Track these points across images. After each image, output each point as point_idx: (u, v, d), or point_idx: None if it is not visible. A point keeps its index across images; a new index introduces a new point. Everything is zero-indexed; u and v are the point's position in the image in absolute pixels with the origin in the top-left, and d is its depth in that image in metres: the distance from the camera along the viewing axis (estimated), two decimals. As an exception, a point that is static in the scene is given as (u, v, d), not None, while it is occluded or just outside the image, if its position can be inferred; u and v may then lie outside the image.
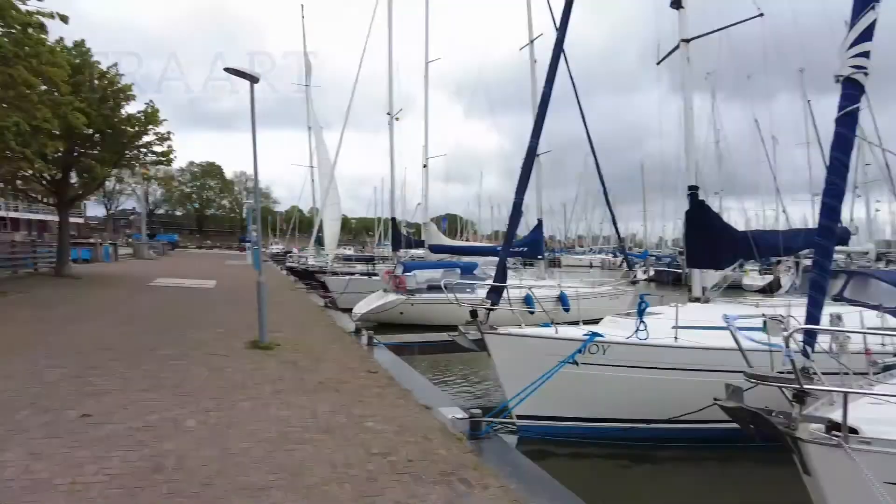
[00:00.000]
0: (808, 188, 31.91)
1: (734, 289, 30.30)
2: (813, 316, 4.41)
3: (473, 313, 7.92)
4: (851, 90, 4.96)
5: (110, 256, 33.47)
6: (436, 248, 23.09)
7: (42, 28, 13.87)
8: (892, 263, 22.67)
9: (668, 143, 12.98)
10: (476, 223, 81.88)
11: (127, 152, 21.36)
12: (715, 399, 3.97)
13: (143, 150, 21.77)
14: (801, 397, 3.57)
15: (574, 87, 17.87)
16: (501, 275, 9.26)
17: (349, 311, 17.09)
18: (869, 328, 7.77)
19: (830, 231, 4.79)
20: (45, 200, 24.39)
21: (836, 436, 3.32)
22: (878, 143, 21.82)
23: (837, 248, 13.47)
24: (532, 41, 20.69)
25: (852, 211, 27.05)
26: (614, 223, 24.61)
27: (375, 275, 22.19)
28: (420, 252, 26.11)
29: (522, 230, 20.37)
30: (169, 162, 23.94)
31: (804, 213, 33.53)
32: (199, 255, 55.24)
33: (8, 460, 4.28)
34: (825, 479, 3.35)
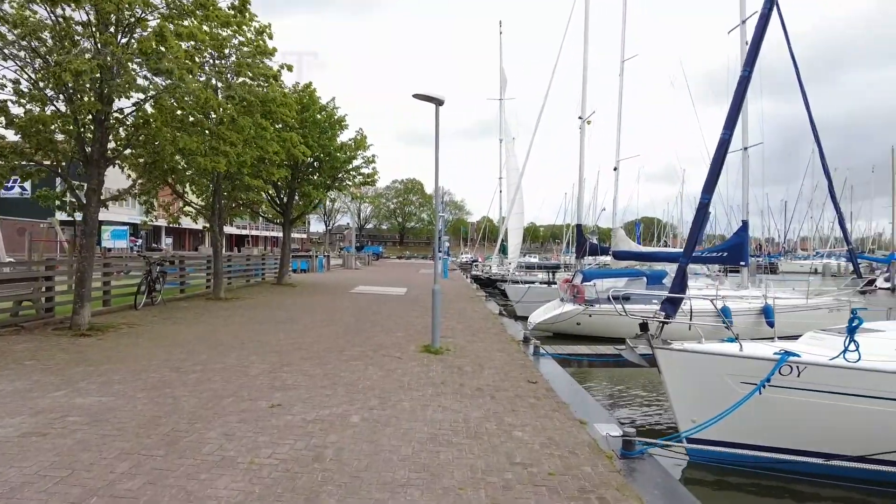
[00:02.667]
0: None
1: None
2: None
3: (644, 326, 7.37)
4: None
5: (323, 267, 38.18)
6: (620, 255, 21.97)
7: (276, 78, 16.47)
8: None
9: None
10: (677, 226, 76.34)
11: (340, 175, 24.35)
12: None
13: (353, 172, 24.62)
14: None
15: (795, 64, 15.64)
16: (679, 284, 8.49)
17: (526, 319, 17.16)
18: None
19: None
20: (275, 221, 28.85)
21: None
22: None
23: None
24: (744, 21, 18.69)
25: None
26: (840, 221, 20.98)
27: (555, 283, 21.93)
28: (607, 259, 25.19)
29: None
30: (374, 183, 26.66)
31: None
32: (398, 265, 60.17)
33: (208, 438, 5.14)
34: None
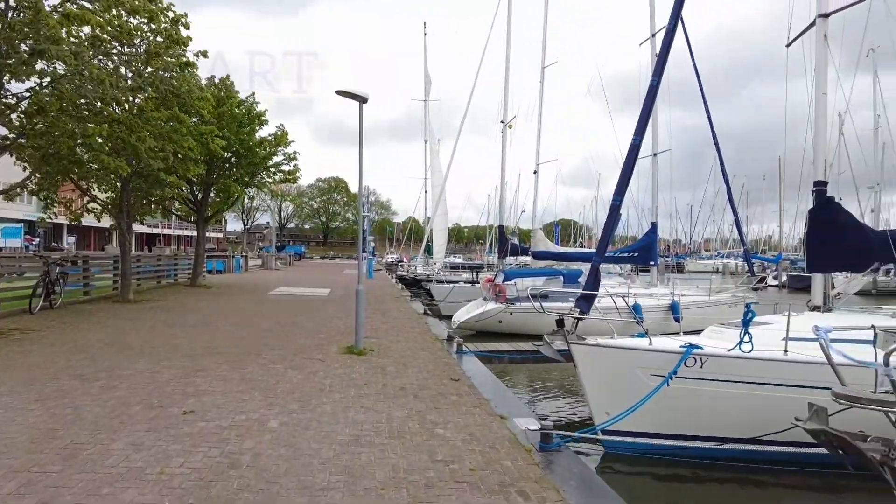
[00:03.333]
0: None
1: (886, 296, 26.62)
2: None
3: (560, 322, 7.64)
4: None
5: (241, 268, 36.75)
6: (539, 255, 22.74)
7: (193, 65, 15.65)
8: None
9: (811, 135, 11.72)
10: (592, 228, 79.61)
11: (258, 172, 23.47)
12: (796, 419, 3.49)
13: (273, 169, 23.81)
14: (906, 423, 3.03)
15: (698, 78, 16.70)
16: (593, 282, 8.87)
17: (450, 318, 17.34)
18: None
19: None
20: (189, 219, 27.42)
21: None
22: None
23: None
24: (653, 35, 19.76)
25: None
26: (737, 225, 22.73)
27: (478, 282, 22.31)
28: (527, 259, 25.91)
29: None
30: (295, 180, 25.91)
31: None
32: (321, 265, 58.96)
33: (112, 450, 4.82)
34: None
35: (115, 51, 13.15)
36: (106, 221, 20.20)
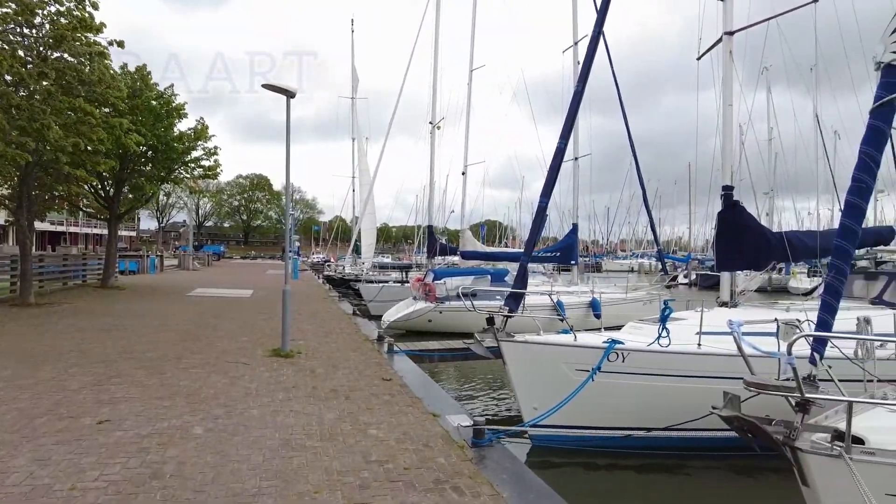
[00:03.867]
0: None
1: (780, 292, 29.05)
2: (824, 321, 4.13)
3: (490, 320, 7.79)
4: (891, 78, 4.51)
5: (156, 268, 34.78)
6: (467, 255, 23.05)
7: (104, 55, 14.58)
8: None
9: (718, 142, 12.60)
10: (516, 229, 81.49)
11: (176, 168, 22.26)
12: (713, 407, 3.77)
13: (192, 165, 22.64)
14: (804, 406, 3.33)
15: (617, 86, 17.55)
16: (521, 280, 9.11)
17: (380, 318, 17.22)
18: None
19: (852, 232, 4.44)
20: (99, 217, 25.56)
21: (838, 446, 3.09)
22: None
23: (882, 248, 12.72)
24: (576, 43, 20.46)
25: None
26: (652, 226, 24.07)
27: (408, 282, 22.30)
28: (456, 259, 26.17)
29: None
30: (215, 176, 24.78)
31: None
32: (243, 265, 56.81)
33: (13, 467, 4.44)
34: (823, 491, 3.11)
35: (16, 29, 12.08)
36: (1, 217, 18.50)
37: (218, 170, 23.37)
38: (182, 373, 7.84)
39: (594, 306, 16.84)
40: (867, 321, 5.57)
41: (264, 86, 9.54)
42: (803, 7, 9.47)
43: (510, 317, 8.12)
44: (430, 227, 26.94)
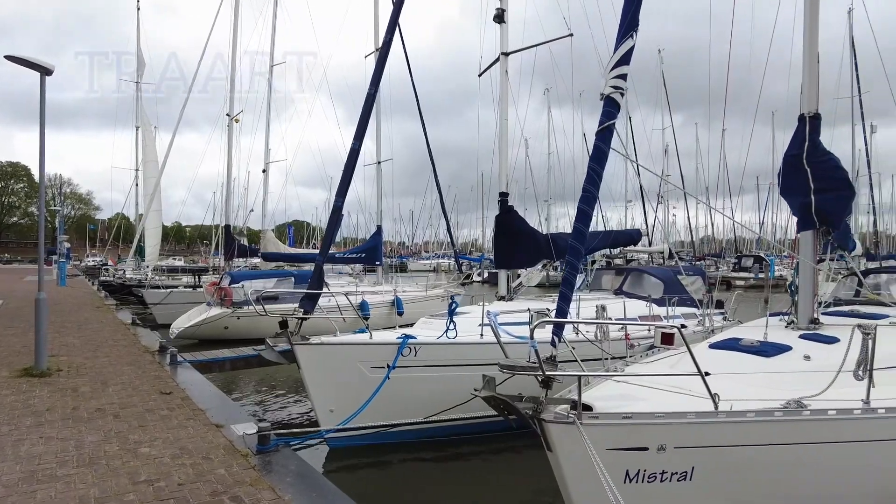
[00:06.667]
0: (622, 196, 38.69)
1: (556, 287, 33.25)
2: (562, 309, 4.85)
3: (283, 324, 7.58)
4: (610, 107, 5.37)
5: None
6: (269, 256, 22.15)
7: None
8: (682, 261, 26.35)
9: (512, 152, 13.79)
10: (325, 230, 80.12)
11: None
12: (474, 390, 4.20)
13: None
14: (547, 383, 3.88)
15: (416, 95, 18.30)
16: (317, 281, 9.02)
17: (168, 327, 15.70)
18: (640, 317, 8.89)
19: (581, 234, 5.16)
20: None
21: (573, 414, 3.67)
22: (633, 160, 26.62)
23: (632, 249, 15.29)
24: (377, 49, 20.73)
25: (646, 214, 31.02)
26: (448, 230, 25.79)
27: (201, 286, 20.67)
28: (258, 261, 24.93)
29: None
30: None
31: (619, 217, 38.74)
32: (-9, 272, 47.29)
33: None
34: (562, 453, 3.69)
35: None
36: None
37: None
38: None
39: (397, 305, 17.39)
40: (603, 308, 6.67)
41: (8, 57, 8.13)
42: (564, 38, 11.01)
43: (305, 319, 8.01)
44: (227, 227, 25.25)
